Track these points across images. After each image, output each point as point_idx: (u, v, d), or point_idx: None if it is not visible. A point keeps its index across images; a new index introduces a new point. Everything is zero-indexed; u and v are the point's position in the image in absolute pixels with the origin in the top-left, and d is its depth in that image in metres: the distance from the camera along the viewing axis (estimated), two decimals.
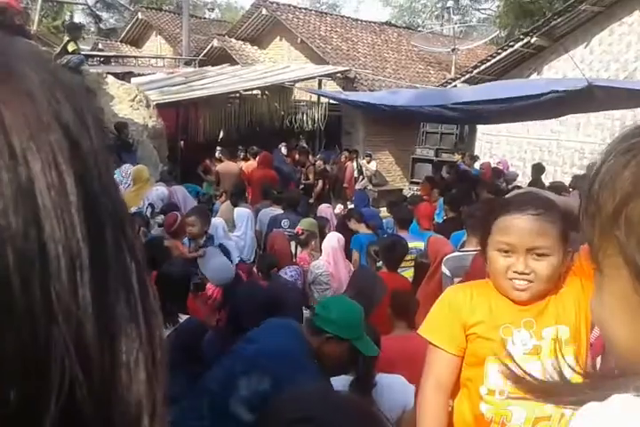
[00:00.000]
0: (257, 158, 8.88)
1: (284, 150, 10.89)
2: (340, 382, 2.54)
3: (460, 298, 1.72)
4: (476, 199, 7.16)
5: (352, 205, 9.31)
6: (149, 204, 5.52)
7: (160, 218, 5.14)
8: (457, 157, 10.80)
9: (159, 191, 5.75)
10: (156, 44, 20.15)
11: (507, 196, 1.75)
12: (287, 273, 4.58)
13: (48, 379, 0.27)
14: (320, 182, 10.20)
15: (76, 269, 0.28)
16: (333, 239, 4.92)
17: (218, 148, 10.43)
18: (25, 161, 0.27)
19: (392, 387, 2.59)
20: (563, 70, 11.26)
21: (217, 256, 4.07)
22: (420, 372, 3.08)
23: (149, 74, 13.34)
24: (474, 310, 1.67)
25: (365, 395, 2.49)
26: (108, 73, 9.66)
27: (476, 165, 10.73)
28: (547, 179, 9.43)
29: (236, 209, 6.02)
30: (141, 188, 6.14)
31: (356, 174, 12.10)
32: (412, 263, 5.01)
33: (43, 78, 0.30)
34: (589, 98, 5.37)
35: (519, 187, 7.95)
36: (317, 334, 2.28)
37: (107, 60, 14.82)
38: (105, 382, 0.29)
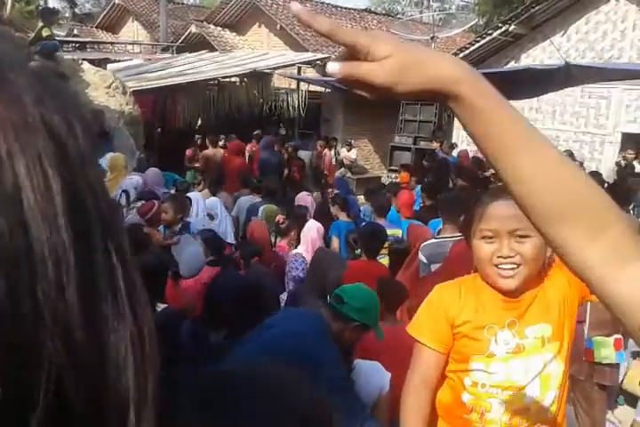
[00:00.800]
0: (227, 146, 8.86)
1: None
2: None
3: (448, 296, 1.74)
4: (452, 187, 7.23)
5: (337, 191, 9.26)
6: (123, 190, 5.50)
7: (141, 203, 5.12)
8: (435, 145, 10.84)
9: (133, 180, 5.72)
10: (132, 30, 19.84)
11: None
12: (293, 264, 4.56)
13: (36, 376, 0.27)
14: (285, 170, 10.16)
15: (62, 270, 0.28)
16: (313, 228, 4.92)
17: (197, 136, 10.36)
18: (10, 164, 0.27)
19: (369, 372, 2.65)
20: (540, 59, 11.34)
21: (190, 245, 4.04)
22: (404, 366, 3.14)
23: (126, 60, 13.16)
24: (461, 309, 1.69)
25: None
26: (84, 59, 9.51)
27: (454, 153, 10.80)
28: None
29: (208, 200, 6.01)
30: (118, 176, 6.09)
31: (334, 162, 12.12)
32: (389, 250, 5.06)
33: (29, 81, 0.30)
34: (566, 75, 5.40)
35: (495, 174, 8.03)
36: (343, 321, 2.43)
37: (82, 47, 14.58)
38: (94, 377, 0.30)
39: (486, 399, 1.67)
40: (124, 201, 5.30)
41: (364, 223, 5.68)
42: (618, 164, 8.91)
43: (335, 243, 5.47)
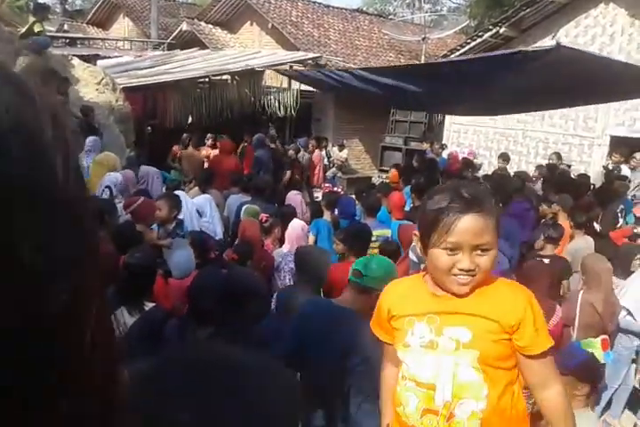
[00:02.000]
0: (218, 145, 8.87)
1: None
2: None
3: (386, 292, 1.87)
4: None
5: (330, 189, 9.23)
6: (107, 186, 5.51)
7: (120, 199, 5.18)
8: (425, 146, 10.90)
9: (111, 176, 5.74)
10: (123, 27, 19.74)
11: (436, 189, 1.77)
12: (289, 259, 4.57)
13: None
14: (288, 172, 10.19)
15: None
16: (297, 227, 4.92)
17: (185, 135, 10.34)
18: None
19: None
20: None
21: (182, 249, 4.04)
22: None
23: (116, 57, 13.09)
24: (394, 304, 1.78)
25: None
26: (74, 55, 9.46)
27: (444, 154, 10.86)
28: (512, 168, 9.60)
29: (196, 198, 6.00)
30: (102, 175, 6.09)
31: (325, 162, 12.13)
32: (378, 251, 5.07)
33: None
34: (557, 61, 5.26)
35: (486, 176, 8.10)
36: (366, 293, 2.53)
37: (72, 42, 14.48)
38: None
39: (405, 393, 1.73)
40: (106, 196, 5.31)
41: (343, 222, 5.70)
42: (605, 167, 8.99)
43: (310, 240, 5.48)
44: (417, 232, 1.71)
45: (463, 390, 1.63)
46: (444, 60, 6.38)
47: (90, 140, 7.00)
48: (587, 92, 6.77)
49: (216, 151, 9.24)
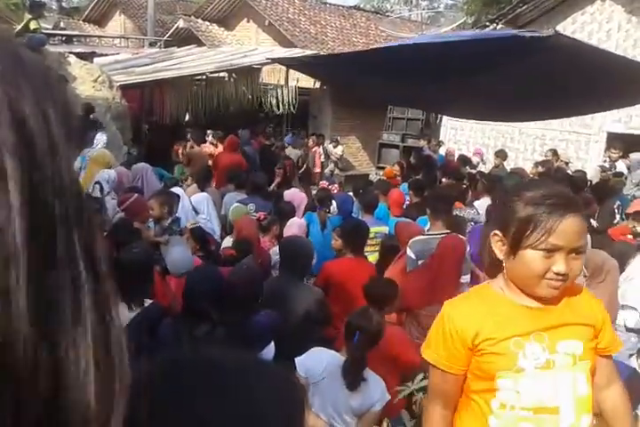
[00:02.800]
0: (224, 142, 8.82)
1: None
2: (335, 360, 2.63)
3: (460, 317, 1.62)
4: (439, 184, 7.28)
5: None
6: (97, 182, 5.53)
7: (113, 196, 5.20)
8: (423, 143, 10.90)
9: (104, 173, 5.76)
10: (119, 24, 19.69)
11: (519, 187, 1.66)
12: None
13: None
14: (279, 171, 10.16)
15: (10, 274, 0.26)
16: (294, 226, 4.92)
17: (188, 129, 10.34)
18: None
19: (371, 385, 2.68)
20: None
21: (178, 245, 4.06)
22: (387, 365, 3.16)
23: (113, 54, 13.06)
24: (479, 328, 1.57)
25: (355, 375, 2.59)
26: (70, 53, 9.43)
27: (441, 151, 10.86)
28: (508, 165, 9.61)
29: (193, 196, 6.00)
30: (95, 171, 6.09)
31: (323, 159, 12.13)
32: (377, 248, 5.09)
33: (3, 66, 0.29)
34: (555, 54, 5.12)
35: (481, 173, 8.11)
36: None
37: (69, 40, 14.42)
38: (50, 392, 0.27)
39: (517, 423, 1.53)
40: (97, 193, 5.32)
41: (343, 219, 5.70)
42: (602, 167, 8.99)
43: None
44: (498, 232, 1.58)
45: (582, 407, 1.55)
46: (437, 40, 6.01)
47: (97, 136, 7.08)
48: (585, 99, 6.67)
49: (218, 148, 9.24)
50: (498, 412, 1.56)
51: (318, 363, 2.69)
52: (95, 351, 0.30)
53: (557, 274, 1.49)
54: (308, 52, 13.28)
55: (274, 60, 9.93)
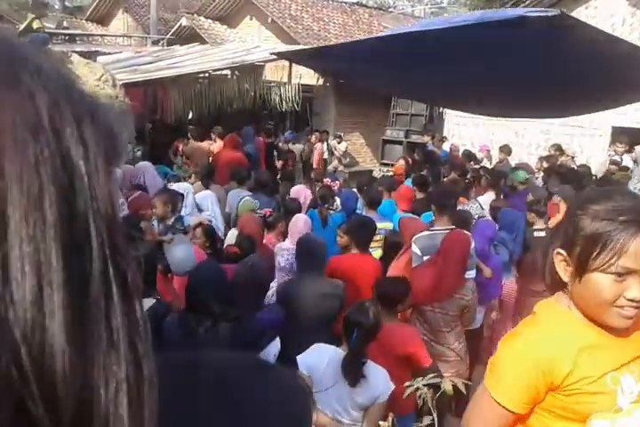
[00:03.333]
0: (223, 140, 8.83)
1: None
2: (336, 355, 2.64)
3: (546, 356, 1.37)
4: (443, 180, 7.26)
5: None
6: None
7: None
8: (426, 139, 10.88)
9: None
10: (122, 23, 19.70)
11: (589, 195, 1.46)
12: (283, 256, 4.60)
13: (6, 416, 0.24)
14: (279, 163, 10.21)
15: (43, 292, 0.25)
16: (299, 222, 4.92)
17: (190, 127, 10.36)
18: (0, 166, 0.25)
19: (374, 377, 2.69)
20: None
21: (182, 244, 4.07)
22: (396, 365, 3.14)
23: (116, 53, 13.07)
24: (572, 367, 1.35)
25: (356, 371, 2.59)
26: (73, 51, 9.45)
27: (445, 147, 10.83)
28: (513, 160, 9.58)
29: (197, 194, 6.02)
30: None
31: (326, 155, 12.12)
32: (381, 244, 5.09)
33: (45, 83, 0.28)
34: (562, 33, 5.01)
35: (485, 168, 8.08)
36: None
37: (72, 39, 14.46)
38: (80, 416, 0.27)
39: None
40: None
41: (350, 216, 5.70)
42: (613, 160, 8.91)
43: None
44: (562, 251, 1.38)
45: None
46: (444, 25, 5.73)
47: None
48: (600, 95, 6.57)
49: (216, 144, 9.26)
50: None
51: (320, 359, 2.70)
52: (127, 377, 0.29)
53: (631, 301, 1.30)
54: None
55: (278, 55, 9.88)
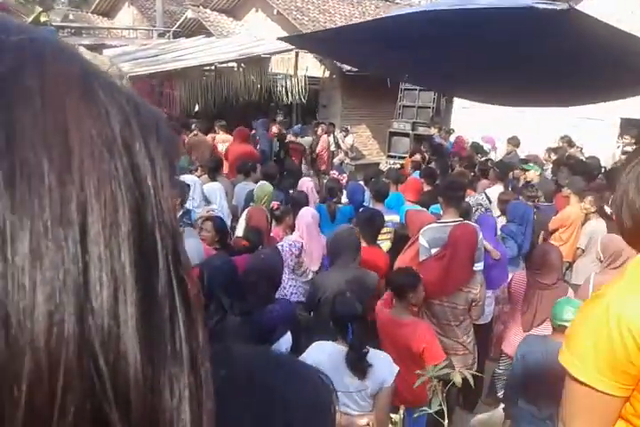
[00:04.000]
0: (233, 133, 8.83)
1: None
2: (327, 348, 2.64)
3: (634, 307, 1.12)
4: (451, 172, 7.24)
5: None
6: None
7: None
8: (433, 131, 10.83)
9: None
10: (128, 16, 19.66)
11: None
12: (284, 247, 4.63)
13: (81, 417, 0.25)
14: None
15: (119, 299, 0.26)
16: (307, 215, 4.91)
17: (193, 120, 10.35)
18: (80, 180, 0.26)
19: (376, 363, 2.69)
20: None
21: (191, 238, 4.09)
22: (409, 361, 3.17)
23: (122, 46, 13.06)
24: None
25: (362, 364, 2.60)
26: (80, 45, 9.44)
27: (452, 138, 10.78)
28: (522, 152, 9.53)
29: (205, 185, 6.01)
30: None
31: (333, 148, 12.09)
32: (388, 236, 5.09)
33: (118, 101, 0.30)
34: (568, 29, 5.02)
35: (490, 160, 8.06)
36: None
37: (78, 32, 14.46)
38: (148, 421, 0.28)
39: None
40: None
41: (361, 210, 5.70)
42: (625, 152, 8.86)
43: None
44: None
45: None
46: (454, 6, 5.69)
47: None
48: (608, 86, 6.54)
49: (219, 137, 9.26)
50: None
51: (322, 355, 2.70)
52: (189, 384, 0.30)
53: None
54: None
55: (285, 40, 9.81)
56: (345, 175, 8.31)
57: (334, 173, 8.24)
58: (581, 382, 1.16)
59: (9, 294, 0.24)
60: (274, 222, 5.20)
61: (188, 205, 5.14)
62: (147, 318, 0.28)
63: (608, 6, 10.60)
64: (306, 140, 10.98)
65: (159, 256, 0.29)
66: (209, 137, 9.48)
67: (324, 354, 2.72)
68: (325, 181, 6.65)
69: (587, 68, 5.86)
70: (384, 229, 4.89)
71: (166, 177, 0.31)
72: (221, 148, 8.89)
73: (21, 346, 0.24)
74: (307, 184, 6.76)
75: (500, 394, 4.26)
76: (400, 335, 3.18)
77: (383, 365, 2.72)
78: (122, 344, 0.26)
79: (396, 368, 2.73)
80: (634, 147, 8.66)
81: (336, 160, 11.96)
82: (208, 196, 5.87)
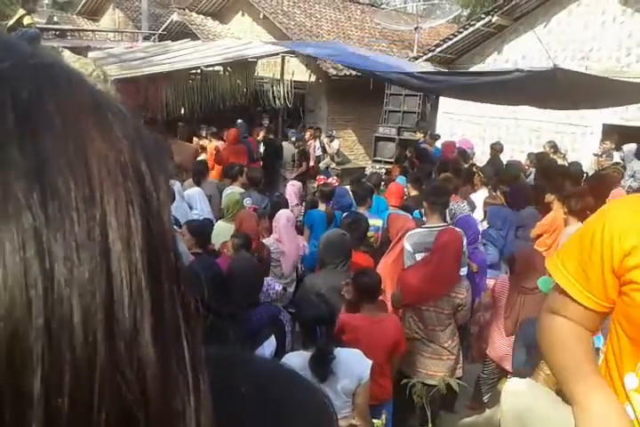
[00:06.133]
0: (225, 136, 8.89)
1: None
2: (300, 358, 2.62)
3: (619, 217, 1.08)
4: (436, 177, 7.28)
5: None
6: None
7: None
8: (419, 136, 10.89)
9: None
10: (113, 18, 19.57)
11: None
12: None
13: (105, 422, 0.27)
14: (304, 164, 10.30)
15: (137, 313, 0.29)
16: (282, 218, 4.95)
17: (180, 124, 10.32)
18: (100, 199, 0.28)
19: (350, 360, 2.69)
20: (522, 50, 11.40)
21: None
22: (383, 357, 3.21)
23: (107, 48, 12.98)
24: (635, 236, 1.03)
25: (325, 367, 2.57)
26: (64, 47, 9.37)
27: (437, 144, 10.84)
28: (504, 157, 9.62)
29: (186, 192, 5.99)
30: None
31: (320, 153, 12.11)
32: (371, 240, 5.14)
33: (125, 126, 0.32)
34: (551, 82, 5.36)
35: (475, 165, 8.12)
36: None
37: (62, 34, 14.34)
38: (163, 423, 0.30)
39: None
40: None
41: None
42: (595, 155, 9.02)
43: (306, 233, 5.54)
44: None
45: None
46: (440, 75, 6.53)
47: None
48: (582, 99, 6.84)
49: (212, 144, 9.24)
50: (636, 397, 1.04)
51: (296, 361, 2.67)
52: (192, 400, 0.32)
53: None
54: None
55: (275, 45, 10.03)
56: (332, 179, 8.31)
57: (323, 178, 8.24)
58: (559, 290, 1.14)
59: (49, 306, 0.25)
60: None
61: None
62: (159, 327, 0.30)
63: (593, 11, 10.76)
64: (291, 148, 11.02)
65: (162, 266, 0.31)
66: (194, 144, 9.44)
67: (295, 365, 2.71)
68: (316, 185, 6.67)
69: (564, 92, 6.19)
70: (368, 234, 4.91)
71: (165, 192, 0.33)
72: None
73: (61, 357, 0.25)
74: (291, 188, 6.78)
75: (486, 398, 4.28)
76: (376, 332, 3.21)
77: (357, 360, 2.72)
78: (142, 350, 0.28)
79: (370, 362, 2.74)
80: (613, 153, 8.77)
81: (322, 164, 11.98)
82: (189, 201, 5.85)
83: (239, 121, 10.45)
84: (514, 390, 2.39)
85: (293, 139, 10.81)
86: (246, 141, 9.75)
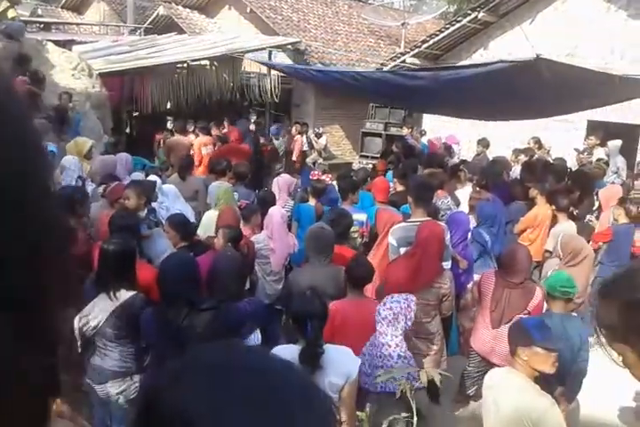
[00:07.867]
0: (227, 134, 8.90)
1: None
2: (289, 351, 2.62)
3: None
4: (421, 172, 7.31)
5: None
6: (79, 176, 5.52)
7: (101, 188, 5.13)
8: (406, 132, 10.91)
9: (68, 157, 5.81)
10: (98, 11, 19.36)
11: None
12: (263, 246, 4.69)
13: None
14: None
15: None
16: (276, 213, 4.93)
17: (169, 118, 10.26)
18: None
19: (339, 357, 2.70)
20: (508, 46, 11.45)
21: (161, 239, 4.04)
22: (369, 336, 3.23)
23: (92, 42, 12.86)
24: None
25: (314, 362, 2.59)
26: (49, 40, 9.27)
27: (424, 140, 10.88)
28: (491, 153, 9.68)
29: (163, 186, 5.93)
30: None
31: (306, 148, 12.09)
32: (356, 235, 5.16)
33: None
34: (535, 74, 5.32)
35: (464, 161, 8.16)
36: None
37: (47, 27, 14.18)
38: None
39: None
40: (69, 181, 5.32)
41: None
42: (577, 149, 9.11)
43: (293, 226, 5.54)
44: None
45: None
46: (424, 72, 6.46)
47: None
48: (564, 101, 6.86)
49: (199, 139, 9.19)
50: None
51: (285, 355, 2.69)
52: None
53: None
54: (291, 40, 13.19)
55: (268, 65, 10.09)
56: (327, 175, 8.31)
57: (318, 173, 8.22)
58: None
59: None
60: (242, 222, 5.17)
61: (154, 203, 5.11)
62: None
63: (577, 8, 10.82)
64: (278, 143, 11.00)
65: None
66: (187, 138, 9.40)
67: (286, 354, 2.71)
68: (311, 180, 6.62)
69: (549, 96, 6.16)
70: (352, 228, 4.93)
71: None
72: (205, 151, 8.81)
73: None
74: (281, 183, 6.72)
75: (471, 392, 4.32)
76: (363, 313, 3.28)
77: (346, 358, 2.73)
78: None
79: (359, 360, 2.76)
80: (598, 149, 8.85)
81: (309, 160, 11.97)
82: (163, 196, 5.81)
83: (241, 120, 10.40)
84: (487, 382, 2.44)
85: (274, 133, 10.83)
86: (250, 140, 9.74)
